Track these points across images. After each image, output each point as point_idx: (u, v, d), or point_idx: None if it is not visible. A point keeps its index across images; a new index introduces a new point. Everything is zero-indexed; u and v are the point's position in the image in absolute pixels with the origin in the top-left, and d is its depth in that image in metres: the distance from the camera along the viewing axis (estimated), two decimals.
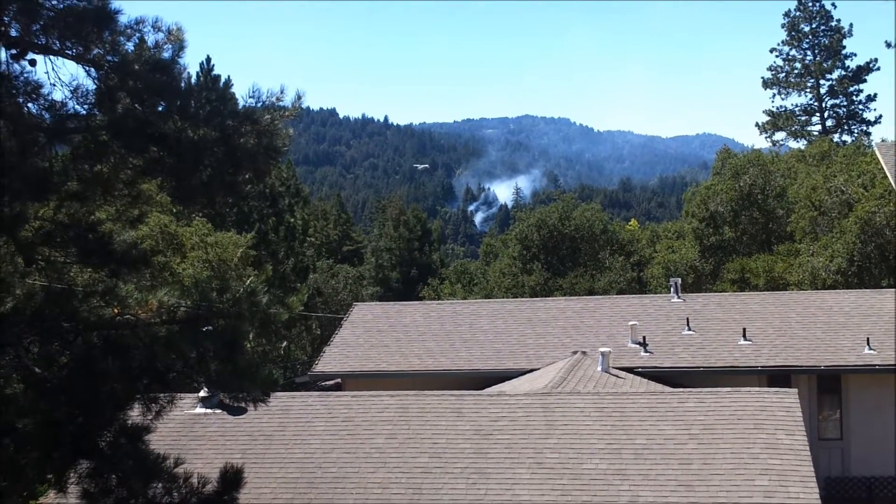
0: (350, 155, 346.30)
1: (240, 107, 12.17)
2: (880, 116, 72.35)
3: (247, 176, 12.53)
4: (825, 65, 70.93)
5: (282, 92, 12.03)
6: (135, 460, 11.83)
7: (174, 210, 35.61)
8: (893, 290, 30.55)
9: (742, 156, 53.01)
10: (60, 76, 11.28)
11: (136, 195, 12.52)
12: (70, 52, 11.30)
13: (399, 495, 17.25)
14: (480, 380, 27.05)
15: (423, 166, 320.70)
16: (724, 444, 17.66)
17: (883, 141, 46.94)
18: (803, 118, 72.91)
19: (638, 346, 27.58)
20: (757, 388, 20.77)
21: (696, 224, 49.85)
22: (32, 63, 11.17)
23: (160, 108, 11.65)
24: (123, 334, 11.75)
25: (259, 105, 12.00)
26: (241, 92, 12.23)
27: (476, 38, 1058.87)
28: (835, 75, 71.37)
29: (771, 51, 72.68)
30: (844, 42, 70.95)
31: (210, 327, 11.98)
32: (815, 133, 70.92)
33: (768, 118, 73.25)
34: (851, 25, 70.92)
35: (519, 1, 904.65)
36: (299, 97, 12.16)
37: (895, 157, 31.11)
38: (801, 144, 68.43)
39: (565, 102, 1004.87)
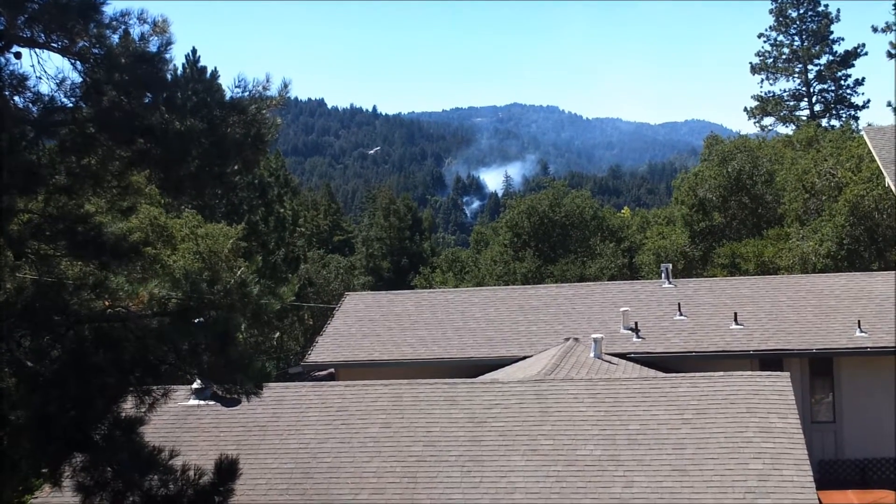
0: (339, 145, 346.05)
1: (226, 98, 12.13)
2: (868, 101, 72.48)
3: (235, 167, 12.50)
4: (813, 50, 70.99)
5: (268, 81, 12.00)
6: (130, 453, 11.82)
7: (163, 202, 35.52)
8: (887, 272, 30.61)
9: (729, 142, 53.04)
10: (46, 69, 11.26)
11: (126, 187, 12.48)
12: (55, 45, 11.25)
13: (394, 484, 17.25)
14: (473, 368, 27.05)
15: (374, 150, 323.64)
16: (717, 428, 17.68)
17: (870, 125, 47.07)
18: (792, 103, 72.99)
19: (630, 331, 27.61)
20: (749, 372, 20.79)
21: (685, 210, 49.89)
22: (18, 56, 11.13)
23: (147, 100, 11.61)
24: (115, 327, 11.73)
25: (245, 95, 11.97)
26: (227, 83, 12.18)
27: (464, 28, 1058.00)
28: (823, 60, 71.44)
29: (759, 36, 72.75)
30: (832, 27, 71.09)
31: (202, 319, 11.96)
32: (804, 118, 70.97)
33: (757, 103, 73.29)
34: (839, 10, 71.13)
35: None
36: (286, 85, 12.11)
37: (891, 140, 31.17)
38: (789, 129, 68.51)
39: (554, 90, 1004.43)
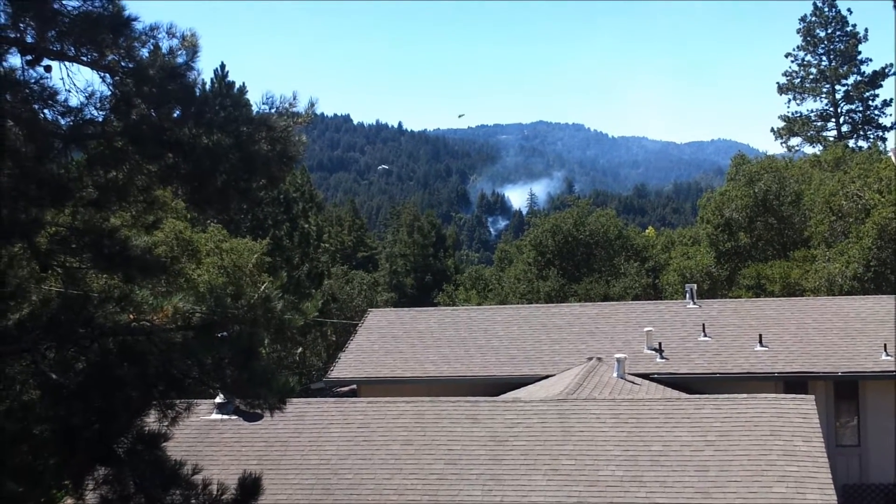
0: (364, 161, 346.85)
1: (254, 113, 12.16)
2: None
3: (261, 182, 12.51)
4: (841, 70, 70.65)
5: (295, 98, 12.02)
6: (153, 467, 11.81)
7: (189, 216, 35.68)
8: None
9: (756, 162, 52.80)
10: (75, 82, 11.28)
11: (152, 201, 12.51)
12: (85, 59, 11.29)
13: (415, 501, 17.22)
14: (496, 386, 27.01)
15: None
16: (740, 450, 17.57)
17: None
18: (819, 123, 72.61)
19: (654, 352, 27.49)
20: (773, 395, 20.68)
21: (711, 230, 49.69)
22: (48, 69, 11.16)
23: (175, 115, 11.64)
24: (139, 340, 11.73)
25: (273, 111, 11.98)
26: (255, 98, 12.21)
27: (490, 44, 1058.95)
28: (850, 80, 71.05)
29: (786, 56, 72.49)
30: (860, 47, 70.69)
31: (225, 333, 11.95)
32: (831, 138, 70.59)
33: (784, 123, 73.00)
34: (867, 30, 70.65)
35: (533, 5, 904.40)
36: (312, 104, 12.14)
37: None
38: (816, 150, 68.13)
39: (580, 108, 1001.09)
